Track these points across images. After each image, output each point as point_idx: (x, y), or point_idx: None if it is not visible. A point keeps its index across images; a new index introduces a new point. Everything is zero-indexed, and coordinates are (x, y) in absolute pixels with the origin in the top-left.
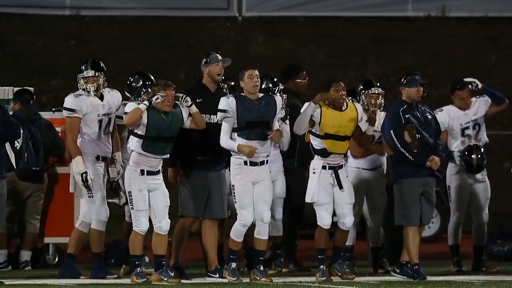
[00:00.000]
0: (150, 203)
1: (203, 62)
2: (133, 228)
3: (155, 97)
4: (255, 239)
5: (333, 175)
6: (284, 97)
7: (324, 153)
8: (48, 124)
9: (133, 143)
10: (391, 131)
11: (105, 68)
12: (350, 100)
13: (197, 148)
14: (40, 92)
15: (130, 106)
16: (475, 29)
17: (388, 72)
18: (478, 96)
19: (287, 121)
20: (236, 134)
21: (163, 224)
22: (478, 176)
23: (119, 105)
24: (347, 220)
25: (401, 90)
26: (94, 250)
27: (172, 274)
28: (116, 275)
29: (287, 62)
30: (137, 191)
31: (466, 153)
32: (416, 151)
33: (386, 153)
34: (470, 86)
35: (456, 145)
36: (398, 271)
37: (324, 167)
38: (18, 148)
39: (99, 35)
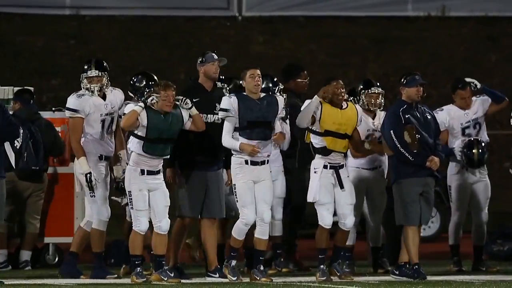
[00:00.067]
0: (150, 203)
1: (198, 62)
2: (133, 228)
3: (151, 98)
4: (256, 239)
5: (334, 175)
6: (284, 96)
7: (324, 151)
8: (48, 123)
9: (133, 144)
10: (391, 131)
11: (108, 68)
12: (351, 101)
13: (194, 148)
14: (40, 92)
15: (128, 108)
16: (475, 29)
17: (388, 72)
18: (478, 96)
19: (287, 121)
20: (237, 133)
21: (163, 224)
22: (479, 175)
23: (122, 104)
24: (348, 221)
25: (401, 90)
26: (94, 250)
27: (172, 275)
28: (116, 275)
29: (288, 62)
30: (137, 191)
31: (467, 147)
32: (415, 151)
33: (385, 153)
34: (469, 86)
35: (457, 145)
36: (397, 272)
37: (325, 167)
38: (18, 147)
39: (99, 35)
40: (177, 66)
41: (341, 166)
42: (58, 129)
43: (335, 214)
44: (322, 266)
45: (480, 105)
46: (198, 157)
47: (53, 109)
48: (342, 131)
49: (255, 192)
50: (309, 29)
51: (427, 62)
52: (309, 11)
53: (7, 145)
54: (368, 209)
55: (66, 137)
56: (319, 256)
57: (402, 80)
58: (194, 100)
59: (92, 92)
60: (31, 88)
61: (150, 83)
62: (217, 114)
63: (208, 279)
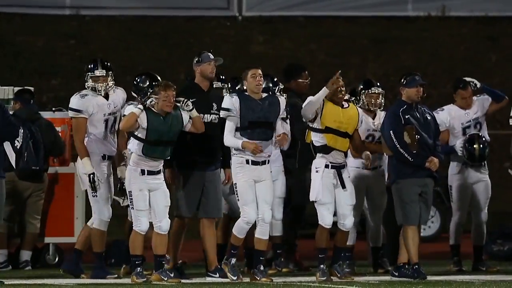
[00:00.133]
0: (151, 203)
1: (194, 62)
2: (133, 228)
3: (150, 99)
4: (256, 239)
5: (336, 175)
6: (284, 96)
7: (325, 149)
8: (48, 123)
9: (133, 145)
10: (391, 131)
11: (112, 68)
12: (352, 101)
13: (191, 147)
14: (40, 92)
15: (127, 110)
16: (475, 28)
17: (388, 72)
18: (478, 95)
19: (288, 121)
20: (238, 133)
21: (163, 224)
22: (480, 175)
23: (124, 103)
24: (347, 221)
25: (401, 90)
26: (95, 250)
27: (172, 275)
28: (116, 275)
29: (288, 62)
30: (138, 191)
31: (468, 143)
32: (415, 152)
33: (385, 153)
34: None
35: (457, 145)
36: (396, 273)
37: (326, 166)
38: (18, 147)
39: (99, 35)
40: (177, 66)
41: (343, 166)
42: (58, 129)
43: (335, 214)
44: (322, 266)
45: (480, 104)
46: (196, 157)
47: (53, 109)
48: (343, 129)
49: (255, 192)
50: (309, 29)
51: (427, 62)
52: (309, 11)
53: (7, 145)
54: (368, 209)
55: (66, 137)
56: (319, 256)
57: (402, 81)
58: (190, 100)
59: (99, 91)
60: (31, 88)
61: (154, 83)
62: (214, 114)
63: (208, 279)
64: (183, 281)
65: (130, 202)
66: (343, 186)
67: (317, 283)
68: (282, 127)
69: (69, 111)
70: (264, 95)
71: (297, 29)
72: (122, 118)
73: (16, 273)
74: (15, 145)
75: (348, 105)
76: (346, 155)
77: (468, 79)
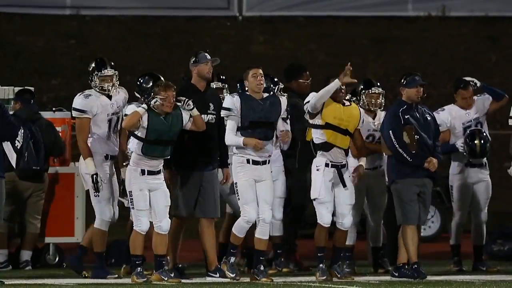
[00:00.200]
0: (151, 203)
1: (191, 62)
2: (134, 228)
3: (154, 100)
4: (256, 239)
5: (336, 174)
6: (285, 96)
7: (325, 146)
8: (49, 123)
9: (133, 144)
10: (390, 131)
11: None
12: (353, 101)
13: (188, 147)
14: (40, 92)
15: (130, 109)
16: (475, 28)
17: (388, 72)
18: (479, 94)
19: (288, 121)
20: (239, 133)
21: (163, 224)
22: (480, 175)
23: (125, 103)
24: (346, 221)
25: (401, 90)
26: (95, 250)
27: (172, 275)
28: (116, 275)
29: (289, 62)
30: (138, 191)
31: (469, 138)
32: (414, 152)
33: (384, 153)
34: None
35: (458, 143)
36: (396, 274)
37: (327, 165)
38: (18, 147)
39: (99, 35)
40: (177, 66)
41: (343, 166)
42: (58, 129)
43: (333, 213)
44: (321, 265)
45: (481, 104)
46: (193, 157)
47: (54, 109)
48: (343, 126)
49: (256, 192)
50: (309, 29)
51: (427, 62)
52: (309, 11)
53: (8, 145)
54: (368, 209)
55: (67, 137)
56: (318, 255)
57: (402, 81)
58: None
59: (108, 91)
60: (32, 88)
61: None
62: (211, 114)
63: (208, 279)
64: (183, 281)
65: (131, 202)
66: (344, 185)
67: (317, 283)
68: (283, 127)
69: (72, 111)
70: (265, 95)
71: (297, 29)
72: (124, 117)
73: (17, 273)
74: (16, 145)
75: (350, 104)
76: (346, 154)
77: (468, 78)
